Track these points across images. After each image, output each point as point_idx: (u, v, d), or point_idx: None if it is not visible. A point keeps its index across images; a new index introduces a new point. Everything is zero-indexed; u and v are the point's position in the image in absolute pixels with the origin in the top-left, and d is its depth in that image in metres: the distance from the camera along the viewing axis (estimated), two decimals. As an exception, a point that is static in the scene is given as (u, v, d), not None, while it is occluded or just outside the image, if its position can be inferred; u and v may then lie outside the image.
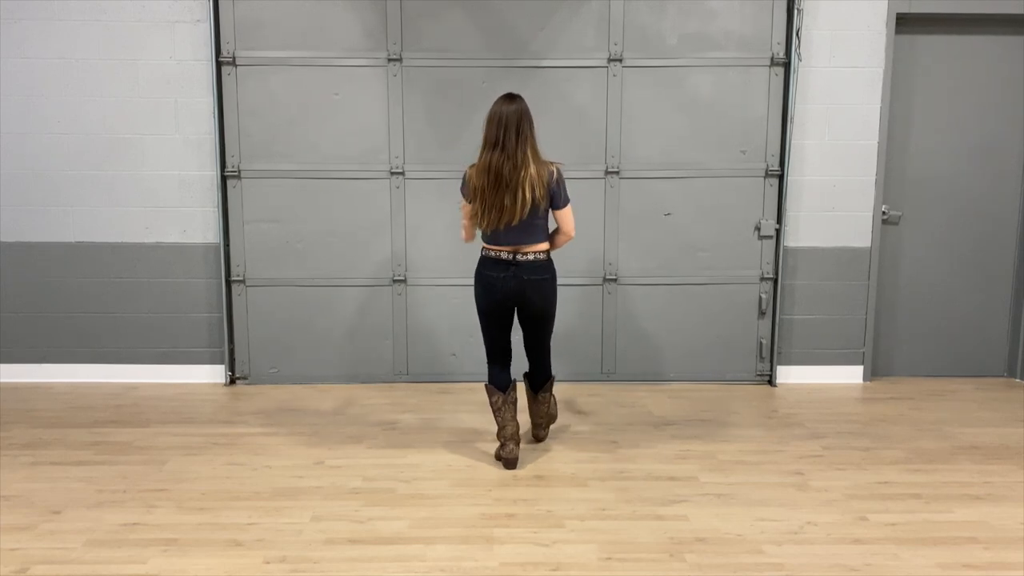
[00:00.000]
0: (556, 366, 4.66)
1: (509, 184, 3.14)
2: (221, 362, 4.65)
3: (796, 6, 4.36)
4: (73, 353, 4.64)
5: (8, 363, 4.64)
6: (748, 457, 3.55)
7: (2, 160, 4.47)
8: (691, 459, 3.52)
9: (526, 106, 3.21)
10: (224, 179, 4.49)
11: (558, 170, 3.27)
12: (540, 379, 3.56)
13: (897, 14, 4.43)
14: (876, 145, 4.54)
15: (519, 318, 3.43)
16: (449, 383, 4.66)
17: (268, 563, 2.60)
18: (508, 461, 3.39)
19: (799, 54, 4.43)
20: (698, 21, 4.42)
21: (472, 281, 3.43)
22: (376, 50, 4.42)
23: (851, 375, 4.75)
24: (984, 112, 4.64)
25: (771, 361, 4.71)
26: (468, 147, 4.49)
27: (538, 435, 3.70)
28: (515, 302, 3.34)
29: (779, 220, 4.59)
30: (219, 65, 4.39)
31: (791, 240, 4.62)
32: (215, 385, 4.64)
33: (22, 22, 4.36)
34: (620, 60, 4.44)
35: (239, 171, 4.49)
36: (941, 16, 4.48)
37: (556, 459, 3.52)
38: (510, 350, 3.49)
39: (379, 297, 4.64)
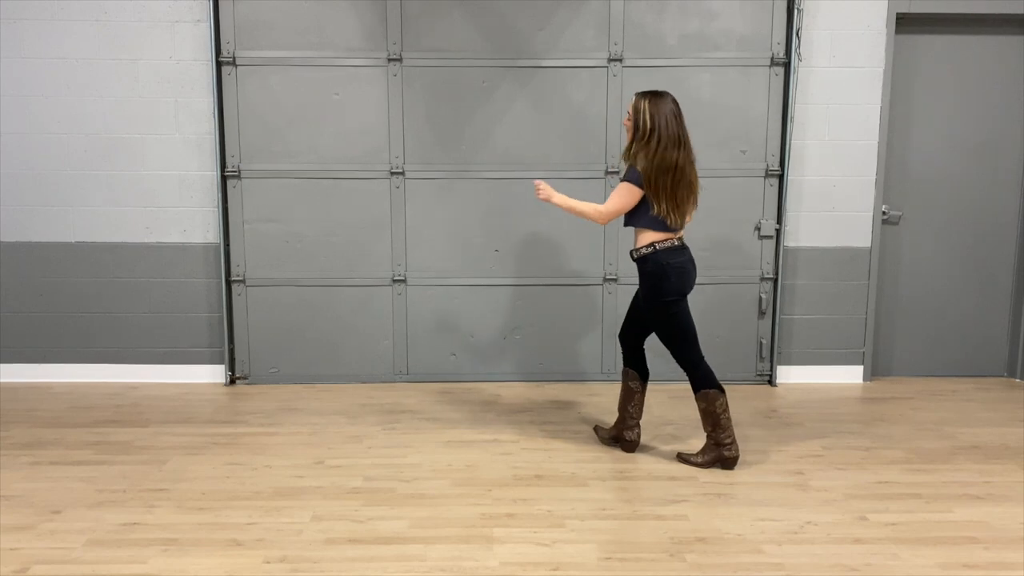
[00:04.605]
0: (556, 365, 4.70)
1: (689, 178, 3.24)
2: (221, 362, 4.65)
3: (796, 6, 4.36)
4: (73, 353, 4.64)
5: (8, 363, 4.64)
6: (748, 457, 3.55)
7: (2, 160, 4.47)
8: (691, 459, 3.53)
9: None
10: (224, 179, 4.49)
11: None
12: (647, 368, 3.58)
13: (897, 14, 4.43)
14: (876, 145, 4.54)
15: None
16: (449, 383, 4.66)
17: (268, 563, 2.60)
18: (736, 459, 3.40)
19: (799, 54, 4.42)
20: (698, 21, 4.42)
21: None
22: (376, 50, 4.42)
23: (851, 375, 4.75)
24: (984, 112, 4.64)
25: (771, 361, 4.71)
26: (468, 147, 4.51)
27: (636, 437, 3.60)
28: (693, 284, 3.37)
29: (779, 220, 4.59)
30: (219, 65, 4.39)
31: (791, 240, 4.62)
32: (215, 385, 4.64)
33: (22, 22, 4.36)
34: (620, 60, 4.44)
35: (239, 171, 4.49)
36: (941, 16, 4.48)
37: (556, 459, 3.52)
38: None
39: (379, 297, 4.64)
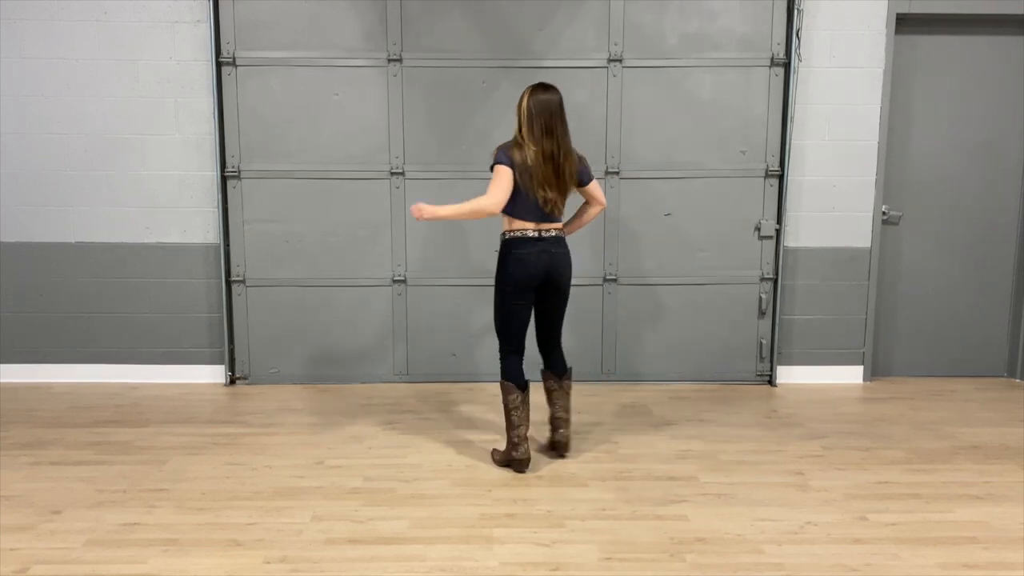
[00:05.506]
0: (556, 366, 4.68)
1: (561, 172, 3.27)
2: (221, 362, 4.65)
3: (796, 6, 4.36)
4: (73, 353, 4.64)
5: (8, 363, 4.64)
6: (748, 457, 3.55)
7: (2, 160, 4.48)
8: (691, 459, 3.52)
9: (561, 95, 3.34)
10: (224, 179, 4.49)
11: (581, 152, 3.44)
12: (562, 366, 3.55)
13: (897, 14, 4.43)
14: (876, 145, 4.54)
15: (541, 300, 3.43)
16: (449, 383, 4.66)
17: (268, 563, 2.60)
18: (523, 462, 3.34)
19: (799, 54, 4.43)
20: (698, 21, 4.43)
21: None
22: (376, 50, 4.42)
23: (851, 375, 4.75)
24: (984, 112, 4.64)
25: (771, 361, 4.71)
26: (468, 147, 4.51)
27: (561, 438, 3.51)
28: (544, 279, 3.37)
29: (779, 220, 4.59)
30: (219, 65, 4.39)
31: (791, 240, 4.62)
32: (215, 385, 4.64)
33: (22, 22, 4.36)
34: (620, 60, 4.44)
35: (239, 171, 4.49)
36: (941, 16, 4.48)
37: (556, 459, 3.52)
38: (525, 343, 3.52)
39: (379, 297, 4.64)
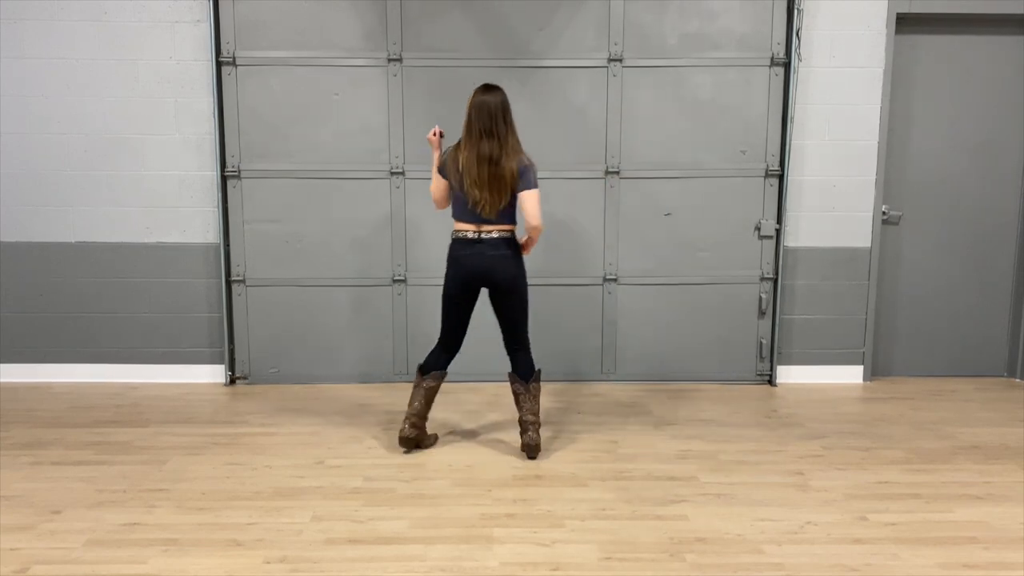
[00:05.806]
0: (556, 365, 4.68)
1: (500, 174, 3.28)
2: (221, 362, 4.65)
3: (796, 6, 4.36)
4: (73, 353, 4.64)
5: (8, 363, 4.64)
6: (748, 457, 3.55)
7: (2, 160, 4.47)
8: (691, 459, 3.52)
9: (506, 96, 3.36)
10: (224, 179, 4.49)
11: (528, 158, 3.38)
12: (526, 369, 3.53)
13: (897, 14, 4.43)
14: (876, 145, 4.54)
15: (492, 303, 3.53)
16: (449, 383, 4.65)
17: (268, 563, 2.60)
18: (401, 439, 3.50)
19: (799, 54, 4.43)
20: (698, 21, 4.43)
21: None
22: (376, 50, 4.42)
23: (851, 375, 4.75)
24: (984, 112, 4.64)
25: (771, 361, 4.71)
26: (468, 147, 4.50)
27: (530, 441, 3.45)
28: (480, 281, 3.45)
29: (779, 220, 4.59)
30: (219, 65, 4.39)
31: (791, 240, 4.62)
32: (215, 385, 4.64)
33: (22, 22, 4.36)
34: (620, 60, 4.44)
35: (239, 171, 4.49)
36: (941, 16, 4.48)
37: (556, 459, 3.52)
38: (459, 342, 3.62)
39: (379, 297, 4.64)
